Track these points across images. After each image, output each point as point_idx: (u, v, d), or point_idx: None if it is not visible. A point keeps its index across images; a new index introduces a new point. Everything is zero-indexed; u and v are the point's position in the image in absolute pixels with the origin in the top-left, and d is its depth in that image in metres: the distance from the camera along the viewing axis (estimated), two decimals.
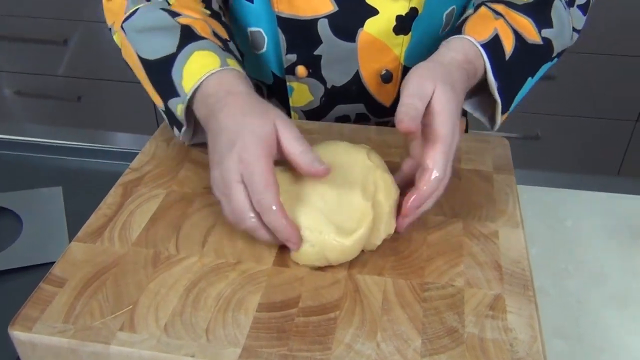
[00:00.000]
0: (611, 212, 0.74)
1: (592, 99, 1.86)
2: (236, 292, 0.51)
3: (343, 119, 0.80)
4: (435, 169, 0.54)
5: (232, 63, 0.61)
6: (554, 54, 0.69)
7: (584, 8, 0.72)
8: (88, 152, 0.82)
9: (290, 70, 0.76)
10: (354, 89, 0.77)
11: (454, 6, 0.74)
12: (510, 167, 0.67)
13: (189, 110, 0.62)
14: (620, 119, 1.89)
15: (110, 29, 0.71)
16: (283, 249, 0.55)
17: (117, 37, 0.69)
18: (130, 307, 0.49)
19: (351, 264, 0.54)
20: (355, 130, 0.72)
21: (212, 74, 0.59)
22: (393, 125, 0.80)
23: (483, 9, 0.66)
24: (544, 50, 0.67)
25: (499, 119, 0.66)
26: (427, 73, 0.56)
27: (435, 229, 0.58)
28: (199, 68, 0.60)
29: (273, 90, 0.82)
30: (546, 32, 0.66)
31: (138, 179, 0.64)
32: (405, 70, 0.75)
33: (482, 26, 0.63)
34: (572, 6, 0.70)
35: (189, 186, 0.63)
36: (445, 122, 0.54)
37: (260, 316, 0.49)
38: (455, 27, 0.66)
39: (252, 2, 0.74)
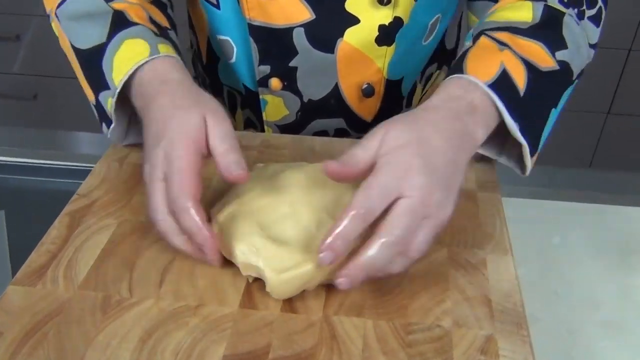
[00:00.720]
0: (599, 225, 0.70)
1: None
2: (198, 342, 0.45)
3: (321, 134, 0.74)
4: (352, 204, 0.44)
5: (164, 49, 0.57)
6: (574, 77, 0.59)
7: (596, 20, 0.62)
8: (36, 170, 0.74)
9: (264, 82, 0.69)
10: (333, 103, 0.71)
11: (438, 14, 0.69)
12: (495, 183, 0.62)
13: (124, 104, 0.58)
14: (592, 111, 1.88)
15: (48, 16, 0.64)
16: (250, 288, 0.49)
17: (54, 25, 0.64)
18: None
19: (327, 303, 0.48)
20: (328, 144, 0.67)
21: (144, 63, 0.55)
22: None
23: (483, 39, 0.57)
24: (562, 75, 0.58)
25: (529, 163, 0.57)
26: (387, 122, 0.48)
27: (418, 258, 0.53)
28: (128, 58, 0.56)
29: (247, 101, 0.75)
30: (561, 55, 0.57)
31: (86, 207, 0.57)
32: (389, 84, 0.70)
33: (485, 62, 0.54)
34: (583, 19, 0.61)
35: (143, 214, 0.57)
36: (386, 164, 0.45)
37: None
38: (453, 64, 0.57)
39: (218, 7, 0.67)
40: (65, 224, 0.55)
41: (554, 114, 0.59)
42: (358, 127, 0.74)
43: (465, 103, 0.51)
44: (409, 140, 0.47)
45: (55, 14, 0.61)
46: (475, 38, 0.58)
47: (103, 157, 0.64)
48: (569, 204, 0.73)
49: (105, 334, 0.45)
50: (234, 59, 0.71)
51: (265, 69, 0.68)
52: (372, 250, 0.44)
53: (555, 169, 2.07)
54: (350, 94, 0.70)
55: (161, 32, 0.60)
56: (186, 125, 0.49)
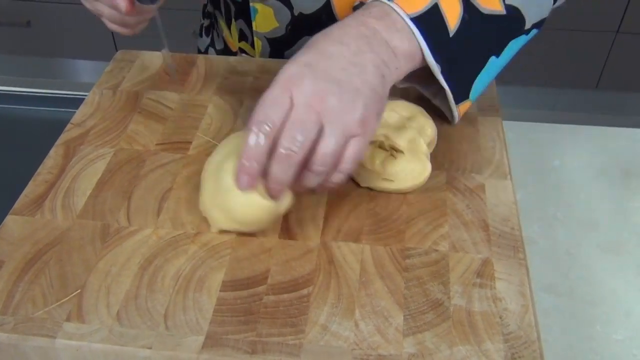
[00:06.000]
0: (600, 148, 0.69)
1: (571, 11, 1.78)
2: (197, 268, 0.46)
3: None
4: (249, 122, 0.44)
5: None
6: (528, 26, 0.54)
7: None
8: (29, 99, 0.73)
9: None
10: (324, 19, 0.68)
11: None
12: (496, 107, 0.61)
13: None
14: (600, 30, 1.83)
15: None
16: None
17: None
18: (78, 291, 0.44)
19: (324, 230, 0.49)
20: None
21: None
22: None
23: None
24: (510, 21, 0.53)
25: (454, 109, 0.54)
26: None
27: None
28: None
29: (240, 10, 0.73)
30: None
31: (81, 136, 0.57)
32: None
33: None
34: None
35: (139, 142, 0.56)
36: (276, 78, 0.44)
37: (225, 296, 0.44)
38: None
39: None
40: (60, 154, 0.55)
41: (494, 62, 0.54)
42: None
43: (377, 12, 0.48)
44: (301, 54, 0.46)
45: None
46: None
47: (95, 86, 0.62)
48: (571, 127, 0.72)
49: (105, 261, 0.46)
50: None
51: None
52: (273, 163, 0.43)
53: (561, 90, 2.05)
54: (342, 11, 0.67)
55: None
56: None
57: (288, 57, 0.70)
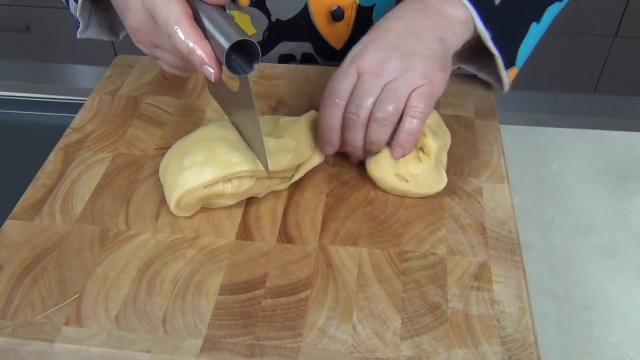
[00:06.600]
0: (598, 151, 0.69)
1: (569, 15, 1.78)
2: (195, 272, 0.46)
3: (287, 57, 0.72)
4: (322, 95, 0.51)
5: None
6: None
7: None
8: (28, 104, 0.73)
9: None
10: (301, 25, 0.69)
11: None
12: (493, 111, 0.61)
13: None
14: (598, 34, 1.83)
15: None
16: (246, 220, 0.50)
17: None
18: (76, 295, 0.44)
19: (322, 233, 0.49)
20: (324, 73, 0.65)
21: None
22: None
23: None
24: None
25: (504, 75, 0.58)
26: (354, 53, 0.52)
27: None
28: None
29: None
30: None
31: (80, 141, 0.57)
32: (360, 10, 0.67)
33: None
34: None
35: (138, 147, 0.56)
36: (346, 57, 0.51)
37: (223, 300, 0.44)
38: None
39: None
40: (59, 159, 0.55)
41: (535, 29, 0.58)
42: (326, 54, 0.71)
43: (432, 8, 0.53)
44: (364, 36, 0.52)
45: None
46: None
47: (94, 90, 0.63)
48: (569, 130, 0.72)
49: (104, 266, 0.46)
50: None
51: None
52: (344, 130, 0.50)
53: (558, 94, 2.05)
54: (319, 17, 0.68)
55: None
56: None
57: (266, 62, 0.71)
